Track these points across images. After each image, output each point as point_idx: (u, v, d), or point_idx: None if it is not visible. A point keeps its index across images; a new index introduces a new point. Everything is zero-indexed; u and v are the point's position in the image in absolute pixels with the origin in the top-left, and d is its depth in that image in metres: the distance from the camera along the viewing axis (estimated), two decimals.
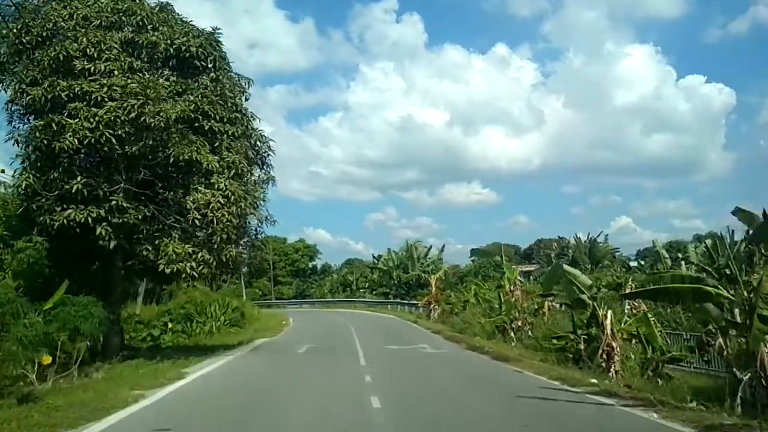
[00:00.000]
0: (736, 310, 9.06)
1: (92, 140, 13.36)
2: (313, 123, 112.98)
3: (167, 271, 14.58)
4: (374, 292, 63.48)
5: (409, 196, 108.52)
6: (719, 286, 9.04)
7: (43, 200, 13.91)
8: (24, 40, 14.57)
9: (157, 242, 14.82)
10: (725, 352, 9.37)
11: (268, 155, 18.38)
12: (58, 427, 7.59)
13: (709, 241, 29.68)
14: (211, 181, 15.12)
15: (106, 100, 13.57)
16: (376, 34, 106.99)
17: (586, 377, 12.07)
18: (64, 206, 13.84)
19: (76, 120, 13.31)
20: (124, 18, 15.58)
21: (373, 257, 68.89)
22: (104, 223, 13.90)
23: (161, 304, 29.49)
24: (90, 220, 13.71)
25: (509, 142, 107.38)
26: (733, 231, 26.16)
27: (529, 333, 20.18)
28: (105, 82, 13.75)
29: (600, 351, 12.87)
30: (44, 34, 14.50)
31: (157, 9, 16.29)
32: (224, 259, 15.34)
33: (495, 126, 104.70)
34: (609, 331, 12.78)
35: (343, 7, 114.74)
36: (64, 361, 11.20)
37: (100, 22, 14.94)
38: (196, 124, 15.52)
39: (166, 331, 23.05)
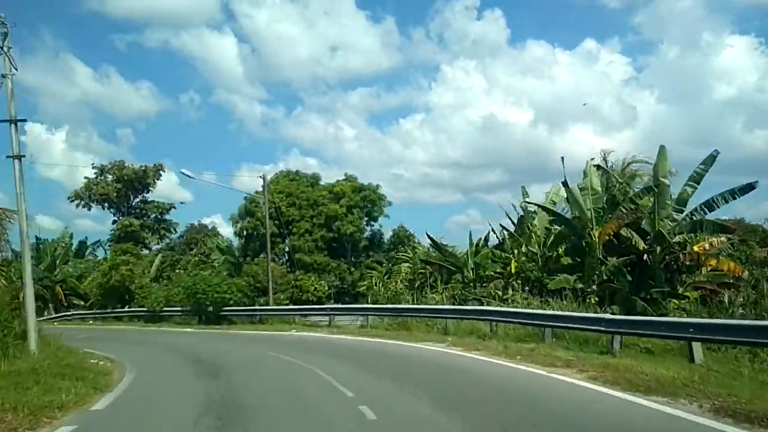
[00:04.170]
0: None
1: None
2: (395, 125, 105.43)
3: None
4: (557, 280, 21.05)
5: (492, 197, 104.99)
6: None
7: None
8: None
9: None
10: None
11: None
12: None
13: None
14: None
15: None
16: (457, 32, 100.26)
17: None
18: None
19: None
20: None
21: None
22: None
23: None
24: None
25: (599, 141, 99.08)
26: None
27: None
28: None
29: None
30: None
31: None
32: None
33: (583, 124, 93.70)
34: None
35: (424, 4, 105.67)
36: None
37: None
38: None
39: None
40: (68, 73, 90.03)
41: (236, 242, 40.36)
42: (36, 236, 45.15)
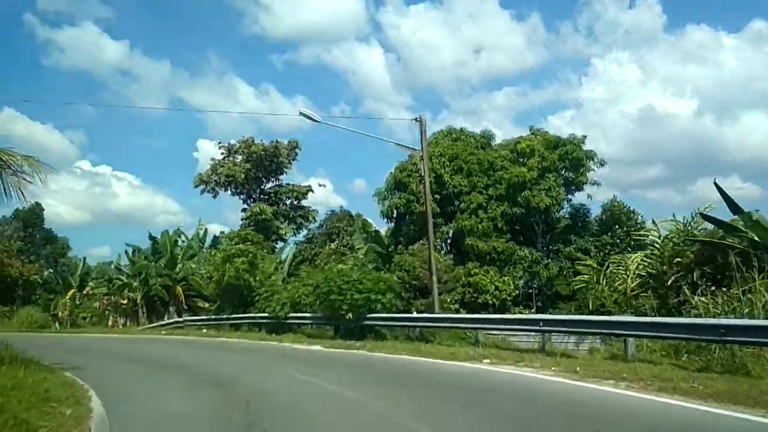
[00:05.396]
0: None
1: None
2: (543, 123, 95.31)
3: None
4: None
5: (653, 194, 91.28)
6: None
7: None
8: None
9: None
10: None
11: None
12: None
13: None
14: None
15: None
16: (607, 23, 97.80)
17: None
18: None
19: None
20: None
21: None
22: None
23: None
24: None
25: None
26: None
27: None
28: None
29: None
30: None
31: None
32: None
33: (756, 111, 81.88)
34: None
35: None
36: None
37: None
38: None
39: None
40: (232, 92, 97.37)
41: (384, 228, 31.11)
42: (149, 231, 40.72)
